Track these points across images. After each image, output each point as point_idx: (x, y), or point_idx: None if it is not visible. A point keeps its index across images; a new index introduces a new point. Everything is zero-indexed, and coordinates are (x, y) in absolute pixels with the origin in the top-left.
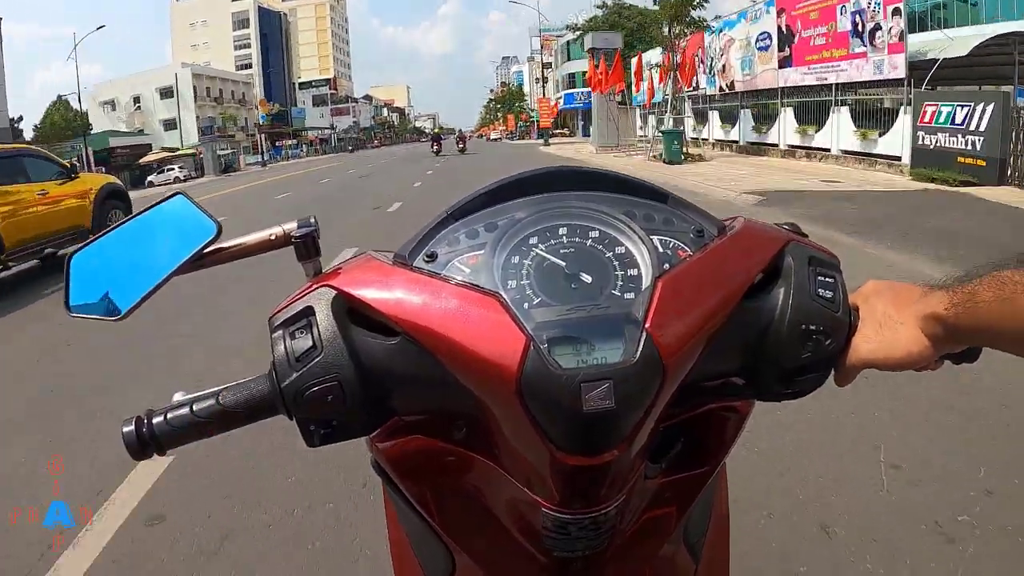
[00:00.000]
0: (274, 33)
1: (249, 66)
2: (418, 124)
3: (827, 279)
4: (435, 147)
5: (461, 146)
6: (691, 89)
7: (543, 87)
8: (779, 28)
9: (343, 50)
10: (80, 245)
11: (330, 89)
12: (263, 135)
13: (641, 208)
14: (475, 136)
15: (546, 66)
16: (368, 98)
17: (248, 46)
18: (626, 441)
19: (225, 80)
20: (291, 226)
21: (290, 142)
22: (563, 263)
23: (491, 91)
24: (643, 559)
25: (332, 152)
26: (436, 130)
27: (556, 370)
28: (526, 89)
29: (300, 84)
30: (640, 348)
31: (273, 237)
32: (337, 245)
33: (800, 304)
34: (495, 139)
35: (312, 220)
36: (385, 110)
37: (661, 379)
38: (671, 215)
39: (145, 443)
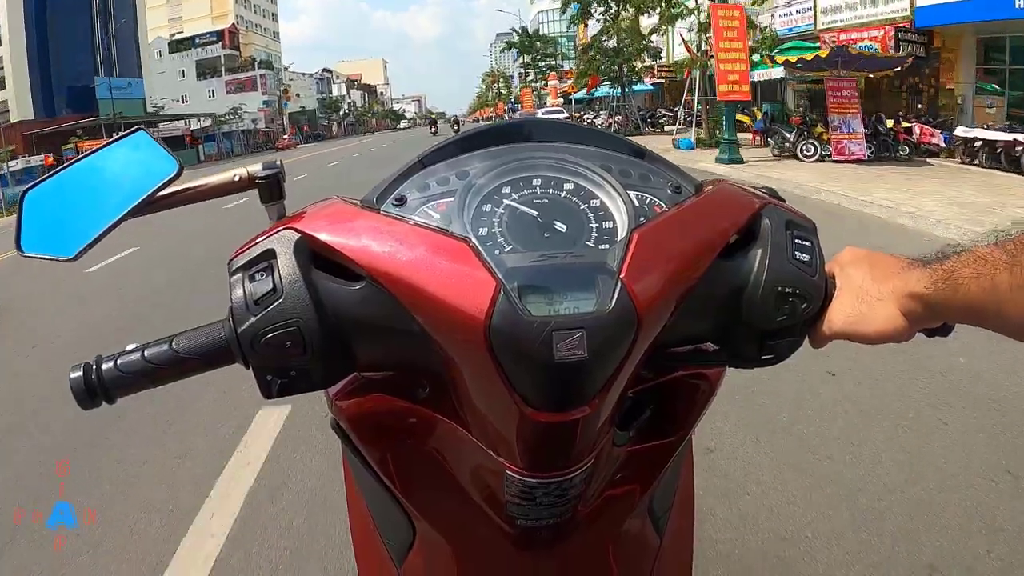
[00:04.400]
0: None
1: None
2: (398, 107)
3: (804, 243)
4: (432, 129)
5: (456, 128)
6: None
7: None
8: None
9: None
10: (35, 181)
11: (224, 47)
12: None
13: (618, 163)
14: (469, 120)
15: None
16: (328, 71)
17: None
18: (597, 398)
19: None
20: (256, 168)
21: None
22: (536, 213)
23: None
24: (608, 531)
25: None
26: (432, 115)
27: (527, 317)
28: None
29: (178, 42)
30: (615, 298)
31: (237, 179)
32: None
33: (777, 266)
34: None
35: (277, 163)
36: (343, 86)
37: (635, 331)
38: (648, 171)
39: (93, 391)
